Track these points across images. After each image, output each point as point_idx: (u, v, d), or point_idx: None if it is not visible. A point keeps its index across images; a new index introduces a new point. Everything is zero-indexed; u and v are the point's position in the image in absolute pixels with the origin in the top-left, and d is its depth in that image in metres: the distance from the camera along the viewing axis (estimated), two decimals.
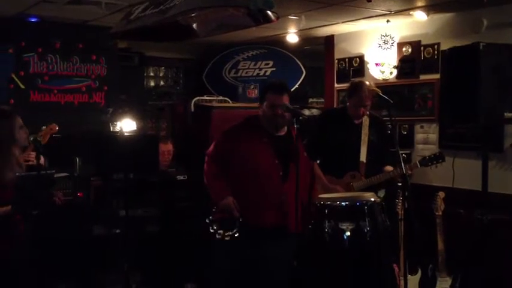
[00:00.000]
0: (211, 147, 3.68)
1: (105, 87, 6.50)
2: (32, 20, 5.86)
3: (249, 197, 3.49)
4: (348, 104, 4.36)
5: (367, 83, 4.27)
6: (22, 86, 5.97)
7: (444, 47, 5.24)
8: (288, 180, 3.58)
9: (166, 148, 5.40)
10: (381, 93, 4.03)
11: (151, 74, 8.06)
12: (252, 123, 3.70)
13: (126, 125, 6.65)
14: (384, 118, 4.42)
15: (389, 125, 4.25)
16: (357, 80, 4.49)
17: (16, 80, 5.94)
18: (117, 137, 5.78)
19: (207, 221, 3.46)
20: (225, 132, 3.74)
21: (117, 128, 6.52)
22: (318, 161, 4.34)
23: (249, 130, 3.66)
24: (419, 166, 4.29)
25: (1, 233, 3.29)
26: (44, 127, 4.24)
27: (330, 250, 3.62)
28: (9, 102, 5.72)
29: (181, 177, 5.34)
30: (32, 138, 4.41)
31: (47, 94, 6.14)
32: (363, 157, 4.21)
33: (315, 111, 6.86)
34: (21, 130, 3.43)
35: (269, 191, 3.52)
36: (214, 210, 3.51)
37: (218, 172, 3.57)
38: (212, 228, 3.44)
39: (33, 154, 4.00)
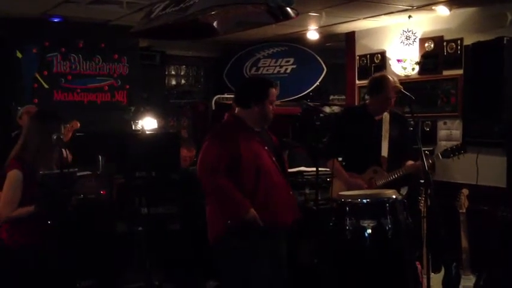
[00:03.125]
0: (210, 159, 3.33)
1: (127, 86, 6.56)
2: (55, 20, 5.95)
3: (265, 200, 3.34)
4: (368, 100, 4.31)
5: (390, 77, 4.21)
6: (46, 86, 6.06)
7: (467, 42, 5.17)
8: (285, 175, 3.56)
9: (189, 154, 5.40)
10: (403, 90, 3.99)
11: (173, 72, 8.13)
12: (237, 122, 3.47)
13: (148, 124, 6.71)
14: (406, 115, 4.37)
15: (412, 122, 4.20)
16: (378, 74, 4.41)
17: (40, 79, 6.03)
18: (139, 136, 5.83)
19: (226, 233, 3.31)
20: (219, 138, 3.42)
21: (139, 127, 6.58)
22: (340, 158, 4.32)
23: (239, 130, 3.42)
24: (441, 158, 4.20)
25: (29, 228, 3.34)
26: (67, 125, 4.30)
27: (351, 248, 3.60)
28: (34, 102, 5.80)
29: None
30: (55, 137, 4.49)
31: (70, 93, 6.22)
32: (385, 152, 4.16)
33: (336, 109, 6.82)
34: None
35: (279, 190, 3.43)
36: (229, 223, 3.30)
37: (231, 183, 3.28)
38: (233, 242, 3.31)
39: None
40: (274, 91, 3.50)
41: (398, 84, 4.12)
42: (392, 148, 4.16)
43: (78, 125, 4.40)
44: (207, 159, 3.35)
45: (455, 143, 5.27)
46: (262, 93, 3.46)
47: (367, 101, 4.36)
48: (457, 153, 4.12)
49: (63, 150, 3.47)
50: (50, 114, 3.58)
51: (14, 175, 3.29)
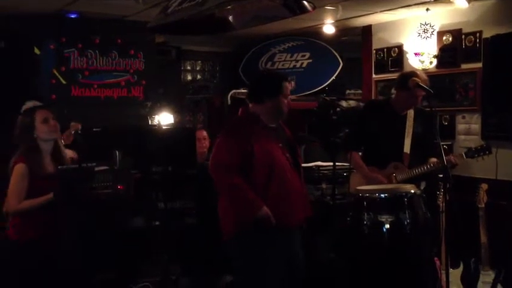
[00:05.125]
0: (223, 156, 3.31)
1: (144, 82, 6.58)
2: (72, 16, 5.98)
3: (277, 198, 3.30)
4: (394, 95, 4.26)
5: (420, 74, 4.12)
6: (63, 82, 6.10)
7: (486, 34, 5.10)
8: (298, 171, 3.50)
9: (202, 135, 5.46)
10: (420, 83, 3.93)
11: (188, 67, 8.14)
12: (251, 117, 3.42)
13: (164, 119, 6.74)
14: (426, 109, 4.32)
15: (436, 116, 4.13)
16: (408, 71, 4.35)
17: (57, 75, 6.07)
18: (155, 131, 5.86)
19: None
20: (231, 135, 3.39)
21: (156, 122, 6.61)
22: (360, 153, 4.28)
23: (252, 125, 3.38)
24: (465, 158, 4.16)
25: (36, 222, 3.36)
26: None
27: (369, 243, 3.59)
28: (51, 98, 5.85)
29: None
30: (72, 133, 4.55)
31: (87, 89, 6.26)
32: (407, 148, 4.12)
33: (352, 103, 6.79)
34: (43, 124, 3.50)
35: (292, 187, 3.38)
36: (242, 221, 3.27)
37: (243, 181, 3.25)
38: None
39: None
40: (288, 85, 3.44)
41: (415, 78, 4.04)
42: (415, 145, 4.12)
43: (80, 126, 4.45)
44: (220, 157, 3.33)
45: (474, 137, 5.26)
46: (276, 87, 3.40)
47: (392, 95, 4.32)
48: (482, 154, 4.08)
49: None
50: (27, 110, 3.58)
51: (20, 168, 3.36)
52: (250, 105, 3.49)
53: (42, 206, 3.35)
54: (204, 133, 5.55)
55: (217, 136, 3.44)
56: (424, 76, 4.12)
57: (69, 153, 4.43)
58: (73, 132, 4.50)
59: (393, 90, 4.47)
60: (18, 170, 3.36)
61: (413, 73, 4.14)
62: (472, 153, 4.11)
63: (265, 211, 3.23)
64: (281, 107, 3.42)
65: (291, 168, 3.42)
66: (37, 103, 5.03)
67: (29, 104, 5.00)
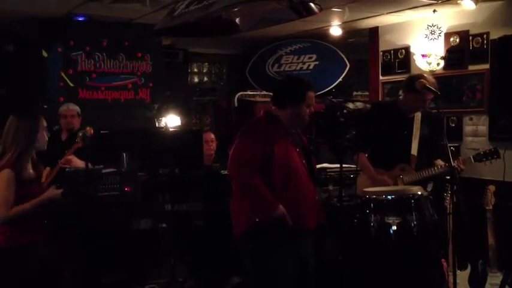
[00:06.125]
0: (244, 155, 3.30)
1: (151, 84, 6.61)
2: (79, 19, 6.01)
3: (292, 202, 3.30)
4: (402, 97, 4.25)
5: (429, 77, 4.11)
6: (71, 84, 6.14)
7: (494, 36, 5.08)
8: (312, 177, 3.50)
9: (210, 137, 5.50)
10: (428, 85, 3.92)
11: (195, 70, 8.17)
12: (273, 120, 3.43)
13: (171, 121, 6.77)
14: (433, 111, 4.30)
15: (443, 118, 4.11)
16: (417, 73, 4.33)
17: (65, 78, 6.11)
18: (162, 133, 5.88)
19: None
20: (253, 135, 3.39)
21: (163, 124, 6.63)
22: (367, 154, 4.28)
23: (273, 128, 3.38)
24: (473, 161, 4.14)
25: (26, 228, 3.28)
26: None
27: (376, 245, 3.58)
28: (59, 100, 5.89)
29: (226, 172, 5.36)
30: (80, 135, 4.56)
31: (95, 91, 6.29)
32: (414, 151, 4.11)
33: (359, 105, 6.78)
34: (44, 132, 3.44)
35: (306, 192, 3.39)
36: (256, 220, 3.27)
37: (261, 181, 3.26)
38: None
39: (73, 159, 4.17)
40: (312, 94, 3.43)
41: (422, 80, 4.02)
42: (422, 147, 4.11)
43: (92, 131, 4.47)
44: (240, 156, 3.32)
45: (481, 139, 5.24)
46: (299, 95, 3.39)
47: (400, 97, 4.30)
48: (490, 158, 4.07)
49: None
50: (28, 114, 3.47)
51: (6, 174, 3.22)
52: (273, 107, 3.49)
53: (34, 210, 3.27)
54: (212, 135, 5.57)
55: (236, 136, 3.43)
56: (432, 79, 4.10)
57: (78, 163, 4.46)
58: (81, 134, 4.53)
59: (401, 92, 4.46)
60: (5, 176, 3.21)
61: (421, 75, 4.13)
62: (480, 157, 4.10)
63: (282, 211, 3.24)
64: (302, 115, 3.41)
65: (306, 174, 3.43)
66: (71, 105, 5.11)
67: (64, 107, 5.06)
